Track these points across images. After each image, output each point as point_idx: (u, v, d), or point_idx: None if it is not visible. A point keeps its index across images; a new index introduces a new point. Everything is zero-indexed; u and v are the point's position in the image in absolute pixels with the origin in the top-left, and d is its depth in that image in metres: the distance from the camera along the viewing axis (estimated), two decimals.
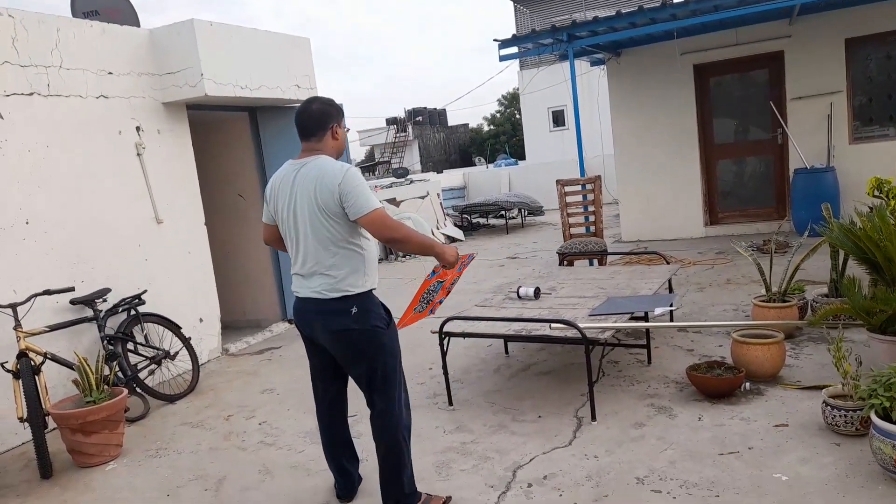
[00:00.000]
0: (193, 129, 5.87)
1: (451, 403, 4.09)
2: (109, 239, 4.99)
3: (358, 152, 37.64)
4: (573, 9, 19.64)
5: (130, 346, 4.79)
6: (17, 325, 4.02)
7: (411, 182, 13.72)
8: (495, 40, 8.15)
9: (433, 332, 4.03)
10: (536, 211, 14.01)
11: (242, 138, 6.60)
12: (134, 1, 6.07)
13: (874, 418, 2.68)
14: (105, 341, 4.58)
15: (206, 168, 6.30)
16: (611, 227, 10.51)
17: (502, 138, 36.04)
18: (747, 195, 9.25)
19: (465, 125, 39.66)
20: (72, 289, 4.53)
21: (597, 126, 13.30)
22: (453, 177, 18.96)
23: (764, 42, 8.45)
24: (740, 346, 3.90)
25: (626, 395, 3.93)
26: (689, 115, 9.08)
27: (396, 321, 2.92)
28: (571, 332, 3.58)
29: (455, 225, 13.70)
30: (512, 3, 23.65)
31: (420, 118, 34.38)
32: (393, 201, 11.92)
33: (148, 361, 4.85)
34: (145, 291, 5.05)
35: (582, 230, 7.20)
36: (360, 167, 24.82)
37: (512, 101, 36.54)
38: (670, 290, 5.14)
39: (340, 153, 2.83)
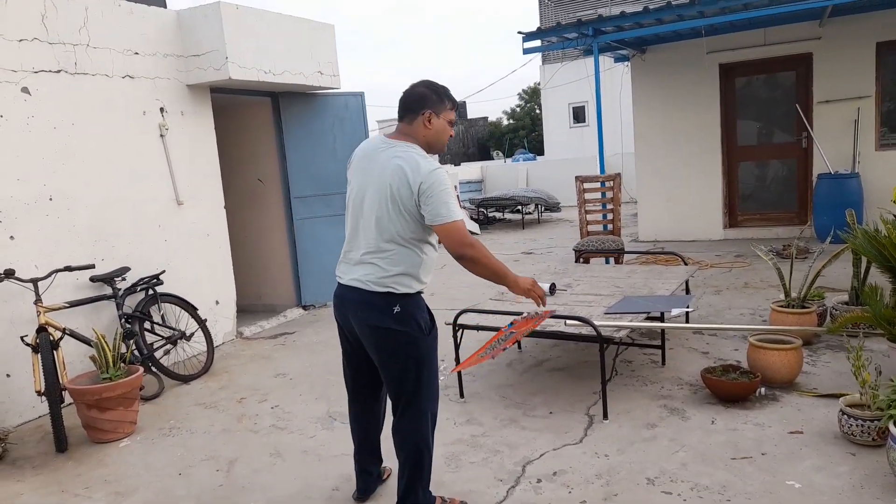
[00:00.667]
0: (216, 113, 5.90)
1: (462, 396, 4.10)
2: (130, 218, 5.04)
3: None
4: (598, 3, 19.44)
5: (147, 325, 4.84)
6: (38, 300, 4.07)
7: None
8: (519, 33, 8.09)
9: (447, 324, 4.03)
10: (553, 207, 13.94)
11: (264, 123, 6.63)
12: None
13: (892, 429, 2.65)
14: (123, 319, 4.63)
15: (226, 151, 6.34)
16: (628, 226, 10.44)
17: (521, 133, 35.82)
18: (768, 199, 9.13)
19: (485, 118, 39.48)
20: (92, 266, 4.58)
21: (617, 124, 13.18)
22: (471, 170, 18.91)
23: (792, 43, 8.32)
24: (757, 350, 3.86)
25: (639, 394, 3.91)
26: (712, 116, 8.97)
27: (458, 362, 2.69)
28: (586, 330, 3.56)
29: (472, 218, 13.67)
30: None
31: None
32: None
33: (164, 341, 4.90)
34: (164, 272, 5.09)
35: (599, 228, 7.15)
36: None
37: (532, 96, 36.28)
38: (687, 291, 5.09)
39: (431, 145, 2.62)
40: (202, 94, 5.70)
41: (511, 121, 38.88)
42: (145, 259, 5.09)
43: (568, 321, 3.70)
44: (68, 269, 4.39)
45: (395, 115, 2.71)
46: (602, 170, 7.95)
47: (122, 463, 3.62)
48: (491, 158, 28.70)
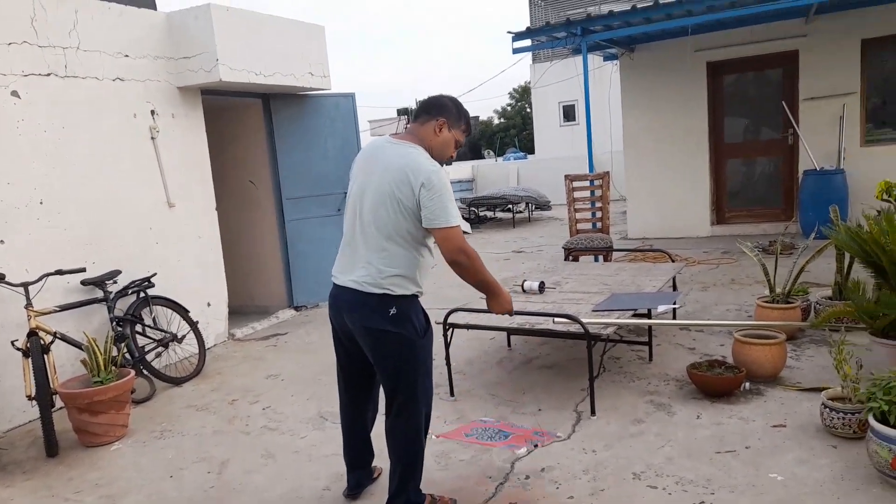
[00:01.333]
0: (207, 115, 5.91)
1: (452, 394, 4.14)
2: (121, 221, 5.05)
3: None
4: (588, 2, 19.49)
5: (139, 328, 4.86)
6: (29, 304, 4.08)
7: None
8: (509, 32, 8.14)
9: (437, 323, 4.05)
10: (544, 206, 14.01)
11: (255, 125, 6.64)
12: None
13: (872, 422, 2.70)
14: (114, 323, 4.64)
15: (218, 153, 6.34)
16: (617, 224, 10.50)
17: (512, 132, 35.89)
18: (755, 195, 9.23)
19: (476, 118, 39.54)
20: (83, 269, 4.59)
21: (607, 122, 13.25)
22: (462, 169, 18.94)
23: (778, 41, 8.40)
24: (742, 345, 3.92)
25: (627, 391, 3.96)
26: (700, 113, 9.05)
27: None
28: (574, 327, 3.61)
29: (462, 217, 13.71)
30: None
31: None
32: None
33: (155, 344, 4.91)
34: (155, 274, 5.10)
35: (588, 226, 7.20)
36: None
37: (523, 95, 36.35)
38: (674, 288, 5.16)
39: (437, 153, 2.65)
40: (193, 96, 5.71)
41: (502, 120, 38.91)
42: (136, 262, 5.10)
43: (556, 319, 3.75)
44: (59, 272, 4.39)
45: (387, 116, 2.76)
46: (591, 168, 8.01)
47: (113, 466, 3.63)
48: (482, 157, 28.74)
